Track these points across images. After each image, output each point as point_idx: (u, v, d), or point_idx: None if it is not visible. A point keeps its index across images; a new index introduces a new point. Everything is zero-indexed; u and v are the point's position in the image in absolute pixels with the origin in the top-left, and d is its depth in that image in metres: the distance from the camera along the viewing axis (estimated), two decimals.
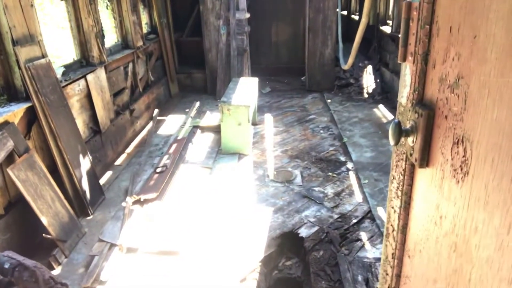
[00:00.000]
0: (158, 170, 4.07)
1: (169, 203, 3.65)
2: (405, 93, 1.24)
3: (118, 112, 5.00)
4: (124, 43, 5.65)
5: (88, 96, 4.14)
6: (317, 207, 3.63)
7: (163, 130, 5.68)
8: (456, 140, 0.96)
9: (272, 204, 3.67)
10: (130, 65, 5.61)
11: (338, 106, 6.87)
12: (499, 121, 0.79)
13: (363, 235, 3.21)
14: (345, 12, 12.09)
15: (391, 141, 1.20)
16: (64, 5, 4.06)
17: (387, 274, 1.48)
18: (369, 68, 8.11)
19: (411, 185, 1.27)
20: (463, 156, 0.93)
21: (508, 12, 0.75)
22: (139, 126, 5.73)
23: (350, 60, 3.03)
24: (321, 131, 5.69)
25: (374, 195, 3.81)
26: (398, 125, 1.18)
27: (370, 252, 2.99)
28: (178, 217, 3.43)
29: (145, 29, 6.87)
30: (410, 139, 1.18)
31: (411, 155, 1.19)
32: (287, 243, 3.16)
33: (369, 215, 3.51)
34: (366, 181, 4.14)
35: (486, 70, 0.83)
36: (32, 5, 3.17)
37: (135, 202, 3.66)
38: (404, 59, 1.22)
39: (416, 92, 1.16)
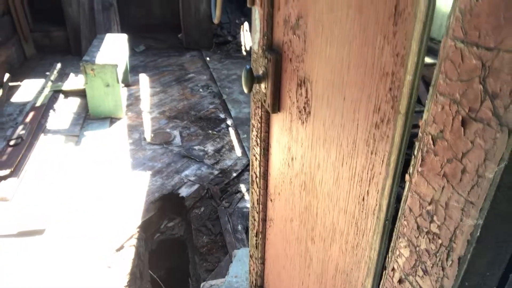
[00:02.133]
0: (12, 143, 3.52)
1: (28, 179, 3.21)
2: (256, 39, 1.21)
3: None
4: None
5: None
6: (197, 166, 3.60)
7: (17, 98, 4.90)
8: (299, 82, 0.96)
9: (149, 168, 3.51)
10: None
11: (217, 64, 6.80)
12: (331, 58, 0.80)
13: (243, 187, 3.31)
14: None
15: (245, 89, 1.18)
16: None
17: (254, 220, 1.52)
18: (246, 25, 8.14)
19: (268, 131, 1.28)
20: (305, 97, 0.94)
21: None
22: None
23: (218, 12, 2.90)
24: (201, 90, 5.59)
25: None
26: (250, 72, 1.15)
27: (249, 201, 3.10)
28: (41, 194, 3.05)
29: None
30: (262, 86, 1.17)
31: (264, 101, 1.18)
32: (168, 204, 3.08)
33: (249, 167, 3.62)
34: (245, 135, 4.23)
35: (319, 7, 0.83)
36: None
37: None
38: (253, 3, 1.17)
39: (266, 37, 1.13)
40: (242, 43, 7.92)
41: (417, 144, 0.53)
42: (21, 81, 5.43)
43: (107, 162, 3.56)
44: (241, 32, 8.06)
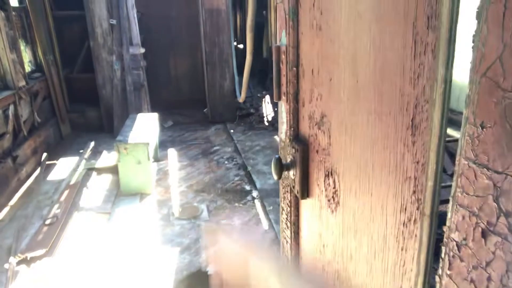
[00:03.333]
0: (48, 222, 3.66)
1: (61, 258, 3.28)
2: (283, 129, 1.31)
3: None
4: (3, 84, 5.10)
5: None
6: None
7: (54, 176, 5.17)
8: (327, 173, 1.03)
9: (178, 244, 3.53)
10: (11, 107, 5.06)
11: (241, 136, 7.03)
12: (356, 155, 0.87)
13: None
14: (241, 46, 12.64)
15: (274, 176, 1.25)
16: None
17: None
18: (267, 98, 8.52)
19: (298, 215, 1.33)
20: (334, 188, 1.00)
21: (352, 59, 0.84)
22: (25, 174, 5.13)
23: (243, 94, 3.14)
24: (226, 162, 5.74)
25: (279, 221, 3.92)
26: (279, 160, 1.23)
27: None
28: (73, 273, 3.09)
29: (28, 67, 6.30)
30: (291, 173, 1.24)
31: (293, 187, 1.24)
32: (196, 282, 3.05)
33: (276, 241, 3.58)
34: (271, 207, 4.24)
35: (341, 109, 0.92)
36: None
37: (20, 262, 3.21)
38: (279, 98, 1.29)
39: (292, 129, 1.23)
40: (264, 115, 8.23)
41: (443, 248, 0.57)
42: (57, 160, 5.75)
43: (137, 239, 3.61)
44: (263, 105, 8.42)
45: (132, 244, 3.53)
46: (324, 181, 1.05)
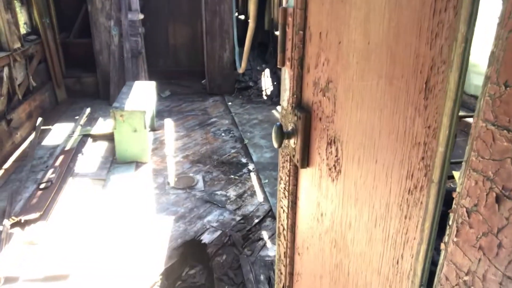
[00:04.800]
0: (42, 186, 3.65)
1: (55, 223, 3.29)
2: (285, 96, 1.27)
3: None
4: None
5: None
6: (219, 211, 3.62)
7: (48, 141, 5.12)
8: (329, 141, 1.00)
9: (173, 213, 3.54)
10: (6, 69, 4.95)
11: (238, 109, 6.97)
12: (362, 122, 0.84)
13: (265, 234, 3.28)
14: (242, 17, 12.36)
15: (275, 144, 1.23)
16: None
17: (281, 273, 1.52)
18: (267, 71, 8.40)
19: (296, 185, 1.31)
20: (336, 156, 0.98)
21: (364, 19, 0.80)
22: (20, 137, 5.08)
23: (243, 64, 3.07)
24: (223, 134, 5.71)
25: (275, 194, 3.93)
26: (280, 128, 1.20)
27: (272, 250, 3.07)
28: (67, 237, 3.11)
29: (24, 29, 6.14)
30: (292, 141, 1.22)
31: (293, 156, 1.22)
32: (190, 251, 3.08)
33: (270, 213, 3.61)
34: (267, 180, 4.25)
35: (349, 74, 0.88)
36: None
37: (14, 225, 3.22)
38: (283, 64, 1.25)
39: (295, 96, 1.19)
40: (263, 89, 8.14)
41: (451, 215, 0.55)
42: (52, 125, 5.70)
43: (132, 206, 3.62)
44: (262, 78, 8.31)
45: (126, 211, 3.54)
46: (326, 149, 1.02)
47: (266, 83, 8.19)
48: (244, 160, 4.80)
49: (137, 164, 4.44)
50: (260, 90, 8.07)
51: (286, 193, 1.35)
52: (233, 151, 5.10)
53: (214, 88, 7.81)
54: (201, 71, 8.07)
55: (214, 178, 4.32)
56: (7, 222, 3.20)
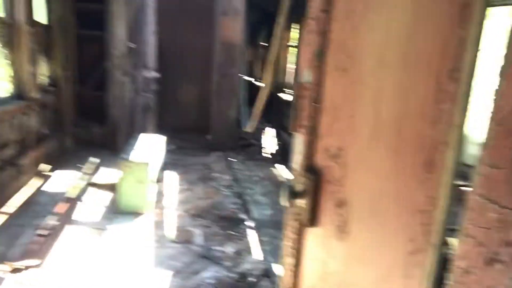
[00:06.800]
0: (41, 232, 3.64)
1: (51, 269, 3.25)
2: (297, 159, 1.38)
3: (1, 167, 4.46)
4: (17, 94, 5.21)
5: None
6: (216, 268, 3.58)
7: (52, 188, 5.17)
8: (339, 203, 1.09)
9: (170, 267, 3.51)
10: (22, 117, 5.15)
11: (240, 165, 7.09)
12: (369, 188, 0.94)
13: None
14: (252, 79, 12.92)
15: (283, 202, 1.31)
16: None
17: None
18: (269, 130, 8.66)
19: (302, 243, 1.38)
20: (344, 217, 1.06)
21: (375, 100, 0.93)
22: (25, 183, 5.14)
23: (253, 123, 3.22)
24: (224, 189, 5.76)
25: (273, 252, 3.91)
26: (291, 188, 1.30)
27: None
28: (61, 286, 3.06)
29: (45, 80, 6.45)
30: (300, 201, 1.31)
31: (301, 215, 1.30)
32: None
33: (268, 273, 3.57)
34: (266, 238, 4.24)
35: (359, 144, 0.99)
36: None
37: (9, 269, 3.18)
38: (296, 130, 1.38)
39: (306, 159, 1.30)
40: (265, 147, 8.34)
41: (448, 275, 0.63)
42: (57, 172, 5.77)
43: (129, 258, 3.59)
44: (264, 137, 8.55)
45: (123, 262, 3.51)
46: (335, 210, 1.11)
47: (268, 141, 8.40)
48: (243, 217, 4.82)
49: (138, 215, 4.45)
50: (262, 148, 8.26)
51: (292, 251, 1.41)
52: (233, 206, 5.12)
53: (218, 144, 8.00)
54: (207, 127, 8.32)
55: (213, 233, 4.31)
56: (3, 267, 3.16)
